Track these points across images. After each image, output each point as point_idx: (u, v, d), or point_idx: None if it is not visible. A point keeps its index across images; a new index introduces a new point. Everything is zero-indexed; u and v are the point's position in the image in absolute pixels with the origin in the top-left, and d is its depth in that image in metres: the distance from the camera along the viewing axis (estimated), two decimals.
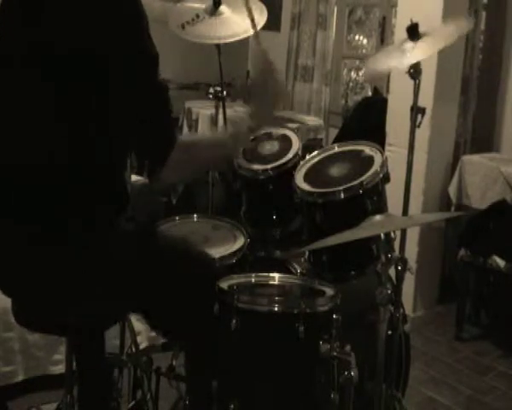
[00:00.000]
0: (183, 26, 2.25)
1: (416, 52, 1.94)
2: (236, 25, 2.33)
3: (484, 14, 3.69)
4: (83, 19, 1.41)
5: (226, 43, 2.36)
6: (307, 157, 2.07)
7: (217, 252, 1.88)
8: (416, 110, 2.00)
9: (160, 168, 1.49)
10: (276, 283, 1.74)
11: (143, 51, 1.46)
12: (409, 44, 1.97)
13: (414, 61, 1.93)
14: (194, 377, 1.72)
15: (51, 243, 1.45)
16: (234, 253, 1.89)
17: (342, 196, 1.84)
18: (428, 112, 2.17)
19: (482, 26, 3.70)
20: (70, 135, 1.44)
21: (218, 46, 2.44)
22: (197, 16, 2.30)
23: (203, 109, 4.43)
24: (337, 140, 4.10)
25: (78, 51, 1.39)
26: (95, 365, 1.74)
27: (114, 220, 1.56)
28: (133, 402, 2.04)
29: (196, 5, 2.38)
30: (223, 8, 2.36)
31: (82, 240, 1.46)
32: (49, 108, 1.43)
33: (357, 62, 5.24)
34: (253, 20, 1.78)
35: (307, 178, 1.97)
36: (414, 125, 2.02)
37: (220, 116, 2.64)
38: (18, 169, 1.46)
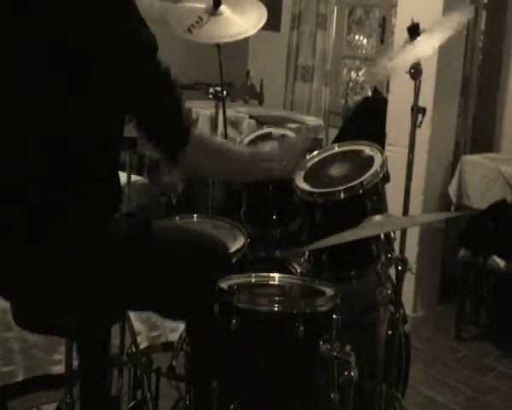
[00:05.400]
0: (189, 31, 2.25)
1: (418, 49, 1.94)
2: (237, 25, 2.33)
3: (484, 14, 3.69)
4: (68, 6, 1.40)
5: (226, 43, 2.36)
6: (307, 157, 2.07)
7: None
8: (417, 110, 2.00)
9: (179, 154, 1.51)
10: (276, 283, 1.74)
11: (132, 38, 1.44)
12: (409, 44, 1.97)
13: (417, 57, 1.93)
14: (194, 377, 1.72)
15: (49, 244, 1.45)
16: (234, 253, 1.89)
17: (342, 196, 1.84)
18: (428, 112, 2.17)
19: (482, 26, 3.70)
20: (63, 133, 1.44)
21: (218, 46, 2.44)
22: (200, 18, 2.30)
23: (203, 109, 4.43)
24: (337, 140, 4.10)
25: (67, 40, 1.38)
26: (98, 364, 1.74)
27: (110, 219, 1.56)
28: (133, 402, 2.04)
29: (196, 5, 2.37)
30: (222, 8, 2.36)
31: (79, 240, 1.46)
32: (42, 104, 1.43)
33: (358, 62, 5.24)
34: None
35: (307, 178, 1.97)
36: (414, 125, 2.02)
37: (220, 116, 2.64)
38: (14, 168, 1.47)
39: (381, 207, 1.88)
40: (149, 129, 1.53)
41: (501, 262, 3.07)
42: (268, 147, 1.82)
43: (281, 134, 2.25)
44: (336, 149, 2.10)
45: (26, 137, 1.45)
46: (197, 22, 2.28)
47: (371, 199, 1.86)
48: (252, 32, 2.32)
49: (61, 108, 1.42)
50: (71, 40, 1.38)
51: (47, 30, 1.39)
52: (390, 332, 1.90)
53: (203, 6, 2.36)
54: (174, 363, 1.97)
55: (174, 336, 2.61)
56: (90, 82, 1.42)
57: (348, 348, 1.54)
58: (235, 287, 1.62)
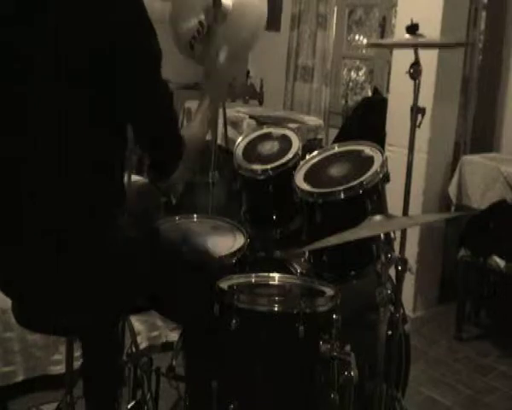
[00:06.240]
0: (191, 46, 2.21)
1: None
2: None
3: (484, 14, 3.69)
4: (87, 18, 1.41)
5: None
6: (307, 157, 2.07)
7: (217, 252, 1.88)
8: (416, 110, 2.00)
9: (175, 167, 1.54)
10: (276, 283, 1.74)
11: (148, 49, 1.46)
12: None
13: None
14: (194, 377, 1.72)
15: (50, 243, 1.45)
16: (234, 253, 1.89)
17: (342, 196, 1.84)
18: (428, 112, 2.17)
19: (482, 26, 3.70)
20: (70, 135, 1.44)
21: None
22: (201, 25, 2.27)
23: None
24: (337, 140, 4.10)
25: (84, 51, 1.40)
26: (103, 363, 1.74)
27: (113, 219, 1.56)
28: (133, 402, 2.04)
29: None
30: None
31: (81, 239, 1.46)
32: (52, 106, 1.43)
33: (358, 62, 5.24)
34: None
35: (307, 178, 1.97)
36: (414, 126, 2.01)
37: (220, 116, 2.64)
38: (16, 168, 1.47)
39: (381, 208, 1.88)
40: (146, 141, 1.56)
41: (501, 262, 3.06)
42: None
43: (281, 134, 2.25)
44: (336, 149, 2.10)
45: (30, 137, 1.45)
46: (198, 33, 2.24)
47: (371, 199, 1.86)
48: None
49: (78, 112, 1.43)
50: (96, 45, 1.40)
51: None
52: (390, 332, 1.90)
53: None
54: (174, 363, 1.97)
55: (174, 336, 2.62)
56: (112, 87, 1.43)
57: (348, 348, 1.54)
58: (235, 287, 1.62)
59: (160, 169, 1.59)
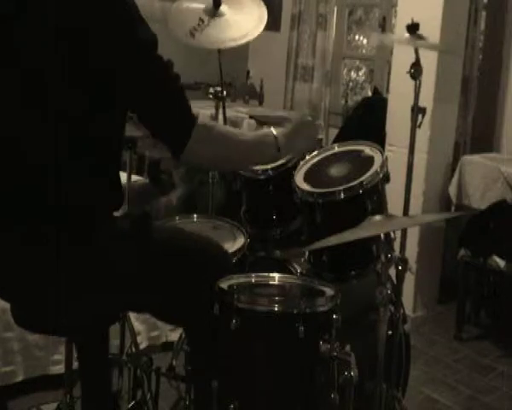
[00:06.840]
0: (192, 34, 2.23)
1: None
2: (239, 26, 2.32)
3: (484, 14, 3.69)
4: (86, 18, 1.41)
5: None
6: (307, 157, 2.07)
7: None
8: (417, 110, 2.00)
9: (183, 143, 1.50)
10: (276, 283, 1.74)
11: (135, 39, 1.45)
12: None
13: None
14: (194, 377, 1.72)
15: (49, 244, 1.45)
16: (234, 253, 1.89)
17: (342, 196, 1.84)
18: (428, 112, 2.17)
19: (482, 26, 3.70)
20: (69, 134, 1.44)
21: None
22: (201, 20, 2.28)
23: (203, 109, 4.42)
24: (337, 140, 4.10)
25: (84, 50, 1.39)
26: (98, 364, 1.74)
27: (111, 219, 1.56)
28: (133, 402, 2.04)
29: (194, 5, 2.36)
30: (223, 8, 2.34)
31: (80, 240, 1.46)
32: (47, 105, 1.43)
33: (357, 62, 5.25)
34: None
35: (307, 178, 1.97)
36: (414, 126, 2.02)
37: (220, 116, 2.64)
38: (14, 167, 1.47)
39: (381, 207, 1.88)
40: (153, 123, 1.52)
41: (501, 262, 3.07)
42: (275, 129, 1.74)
43: None
44: (336, 149, 2.10)
45: (26, 137, 1.45)
46: (199, 25, 2.26)
47: (371, 199, 1.86)
48: (255, 33, 2.30)
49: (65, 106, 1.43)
50: (72, 40, 1.39)
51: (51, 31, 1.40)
52: (390, 332, 1.90)
53: (202, 6, 2.35)
54: (174, 363, 1.97)
55: (174, 336, 2.62)
56: (94, 81, 1.42)
57: (348, 348, 1.54)
58: (235, 287, 1.62)
59: (174, 149, 1.55)
